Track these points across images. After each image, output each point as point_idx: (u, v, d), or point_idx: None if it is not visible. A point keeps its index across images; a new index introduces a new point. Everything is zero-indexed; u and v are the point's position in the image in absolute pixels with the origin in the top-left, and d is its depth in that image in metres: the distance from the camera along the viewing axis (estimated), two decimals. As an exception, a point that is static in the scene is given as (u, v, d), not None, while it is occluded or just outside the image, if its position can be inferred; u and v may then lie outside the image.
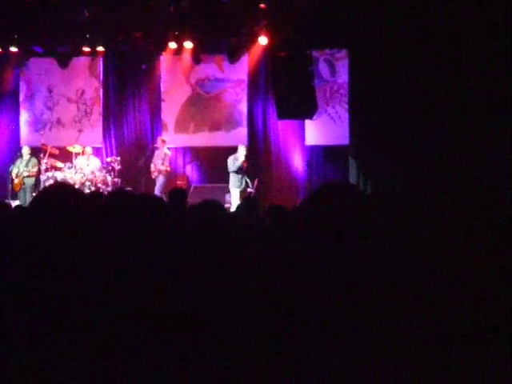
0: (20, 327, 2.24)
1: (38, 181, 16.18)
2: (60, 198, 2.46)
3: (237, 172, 15.26)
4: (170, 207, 6.61)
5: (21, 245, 2.36)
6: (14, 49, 16.94)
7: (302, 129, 16.40)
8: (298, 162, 16.69)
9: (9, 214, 5.99)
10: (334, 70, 16.23)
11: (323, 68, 16.16)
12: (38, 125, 18.01)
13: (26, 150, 16.38)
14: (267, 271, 2.82)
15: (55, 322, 2.26)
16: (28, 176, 16.07)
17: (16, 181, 15.97)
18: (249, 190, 15.37)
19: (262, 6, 14.25)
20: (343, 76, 16.15)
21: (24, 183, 15.98)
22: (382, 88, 14.97)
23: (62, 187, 2.64)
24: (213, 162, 17.11)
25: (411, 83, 14.43)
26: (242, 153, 15.33)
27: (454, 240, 3.03)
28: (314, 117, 14.74)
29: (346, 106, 16.09)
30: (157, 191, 15.80)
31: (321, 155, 16.48)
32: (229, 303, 2.73)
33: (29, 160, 16.20)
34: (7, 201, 14.31)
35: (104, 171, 16.31)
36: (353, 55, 15.81)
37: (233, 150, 15.64)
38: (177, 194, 7.08)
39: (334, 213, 2.52)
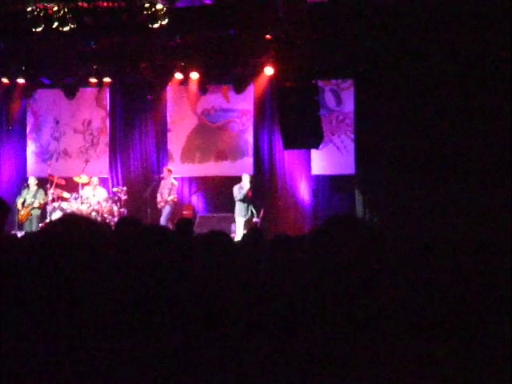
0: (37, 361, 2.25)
1: (44, 211, 16.21)
2: (74, 228, 2.46)
3: (242, 201, 15.27)
4: (177, 237, 6.61)
5: (33, 274, 2.36)
6: (21, 80, 17.09)
7: (308, 158, 16.43)
8: (303, 191, 16.69)
9: (19, 244, 5.97)
10: (340, 100, 16.30)
11: (329, 98, 16.24)
12: (44, 155, 18.09)
13: (32, 181, 16.41)
14: (272, 301, 2.82)
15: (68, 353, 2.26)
16: (36, 207, 16.06)
17: (23, 211, 15.96)
18: (254, 219, 15.36)
19: (267, 36, 14.36)
20: (349, 106, 16.22)
21: (31, 214, 15.97)
22: (387, 117, 15.04)
23: (77, 217, 2.64)
24: (219, 191, 17.12)
25: (416, 112, 14.49)
26: (246, 181, 15.35)
27: (467, 272, 3.02)
28: (320, 146, 14.77)
29: (352, 136, 16.14)
30: (163, 221, 15.80)
31: (327, 184, 16.49)
32: (231, 333, 2.73)
33: (36, 191, 16.22)
34: (13, 232, 14.34)
35: (110, 201, 16.33)
36: (358, 85, 15.91)
37: (238, 179, 15.67)
38: (184, 223, 7.09)
39: (340, 246, 2.52)
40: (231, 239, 4.21)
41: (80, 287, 2.34)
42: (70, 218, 2.59)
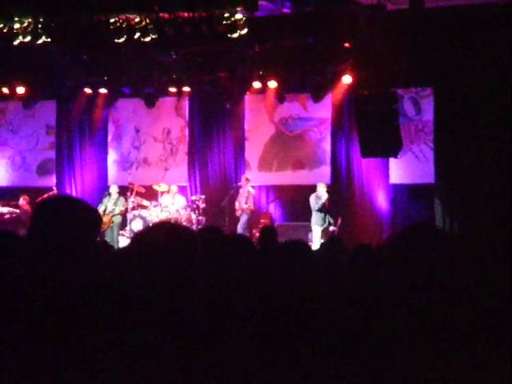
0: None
1: (124, 219, 16.47)
2: (169, 236, 2.49)
3: (320, 210, 15.22)
4: (261, 245, 6.66)
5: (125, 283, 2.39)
6: (103, 90, 17.49)
7: (386, 167, 16.27)
8: (381, 200, 16.53)
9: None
10: (419, 109, 16.10)
11: (408, 106, 16.06)
12: (125, 164, 18.41)
13: (114, 189, 16.68)
14: (352, 310, 2.81)
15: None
16: (116, 214, 16.32)
17: (104, 219, 16.20)
18: (331, 228, 15.30)
19: (346, 45, 14.31)
20: (428, 114, 16.01)
21: (112, 221, 16.20)
22: (467, 126, 14.80)
23: (175, 226, 2.68)
24: (296, 200, 17.10)
25: (497, 121, 14.23)
26: (322, 190, 15.29)
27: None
28: (399, 155, 14.61)
29: (431, 145, 15.92)
30: (239, 229, 15.88)
31: (405, 194, 16.30)
32: (307, 342, 2.73)
33: (117, 199, 16.46)
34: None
35: (189, 209, 16.51)
36: (438, 93, 15.69)
37: (316, 188, 15.63)
38: (268, 232, 7.12)
39: (418, 256, 2.50)
40: (309, 248, 4.20)
41: (176, 294, 2.37)
42: (164, 226, 2.62)
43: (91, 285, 2.41)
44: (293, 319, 2.94)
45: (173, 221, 16.03)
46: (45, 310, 2.35)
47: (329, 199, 15.26)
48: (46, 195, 16.37)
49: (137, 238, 2.60)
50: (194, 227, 16.12)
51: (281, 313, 2.95)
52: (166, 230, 2.55)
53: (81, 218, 2.55)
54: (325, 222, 15.24)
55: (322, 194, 15.28)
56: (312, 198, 15.35)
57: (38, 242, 2.51)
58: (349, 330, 2.63)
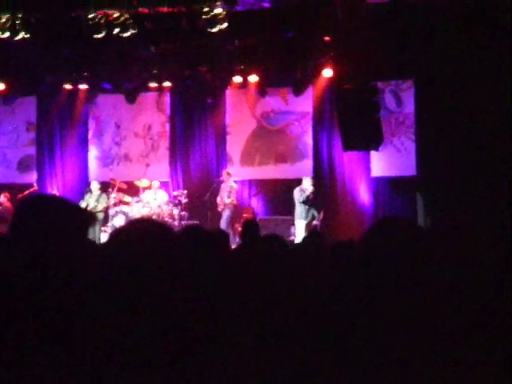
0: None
1: (106, 215, 16.42)
2: (150, 233, 2.49)
3: (303, 203, 15.23)
4: (243, 239, 6.65)
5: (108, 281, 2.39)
6: (83, 86, 17.40)
7: (368, 160, 16.32)
8: (363, 193, 16.58)
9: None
10: (400, 101, 16.16)
11: (389, 99, 16.11)
12: (106, 160, 18.36)
13: (95, 185, 16.62)
14: (331, 305, 2.81)
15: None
16: (98, 211, 16.26)
17: (85, 215, 16.14)
18: (314, 222, 15.32)
19: (326, 38, 14.31)
20: (409, 106, 16.07)
21: (94, 218, 16.18)
22: (448, 118, 14.84)
23: (152, 222, 2.67)
24: (278, 194, 17.11)
25: (478, 112, 14.27)
26: (307, 184, 15.31)
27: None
28: (380, 148, 14.64)
29: (413, 137, 15.98)
30: (223, 224, 15.87)
31: (387, 187, 16.36)
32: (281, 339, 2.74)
33: (99, 195, 16.40)
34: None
35: (171, 205, 16.49)
36: (419, 85, 15.73)
37: (298, 182, 15.64)
38: (250, 226, 7.11)
39: (388, 252, 2.51)
40: (285, 242, 4.20)
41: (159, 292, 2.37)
42: (143, 223, 2.61)
43: (73, 283, 2.40)
44: (274, 315, 2.93)
45: (155, 216, 16.01)
46: (28, 309, 2.33)
47: (313, 192, 15.27)
48: (26, 192, 16.31)
49: (115, 234, 2.61)
50: (177, 222, 16.13)
51: (261, 309, 2.94)
52: (143, 226, 2.55)
53: (63, 216, 2.53)
54: (308, 215, 15.24)
55: (307, 188, 15.28)
56: (296, 191, 15.35)
57: (19, 241, 2.49)
58: (329, 326, 2.63)
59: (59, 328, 2.30)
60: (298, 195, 15.28)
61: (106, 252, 2.54)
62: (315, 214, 15.32)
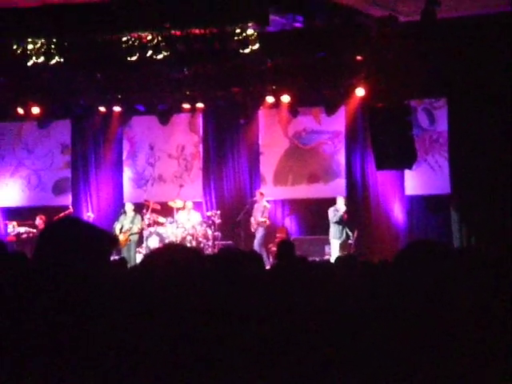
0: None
1: (141, 236, 16.49)
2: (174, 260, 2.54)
3: (338, 223, 15.20)
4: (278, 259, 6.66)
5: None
6: (117, 108, 17.57)
7: (402, 179, 16.23)
8: (398, 212, 16.47)
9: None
10: (433, 119, 16.07)
11: (422, 117, 16.04)
12: (140, 181, 18.47)
13: (129, 207, 16.70)
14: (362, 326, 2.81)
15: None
16: (134, 233, 16.32)
17: (121, 237, 16.16)
18: (349, 241, 15.27)
19: (358, 58, 14.31)
20: (442, 125, 15.98)
21: (130, 240, 16.17)
22: (482, 136, 14.74)
23: (179, 246, 2.73)
24: (311, 213, 17.09)
25: (511, 130, 14.17)
26: (341, 204, 15.30)
27: None
28: (414, 166, 14.56)
29: (446, 155, 15.88)
30: (256, 244, 15.87)
31: (421, 205, 16.26)
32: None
33: (134, 216, 16.46)
34: (112, 258, 14.61)
35: (205, 225, 16.52)
36: (452, 104, 15.65)
37: (331, 201, 15.61)
38: (286, 246, 7.12)
39: (418, 276, 2.51)
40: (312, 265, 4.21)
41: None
42: (170, 249, 2.66)
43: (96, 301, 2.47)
44: (304, 339, 2.93)
45: (189, 237, 16.05)
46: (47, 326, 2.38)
47: (346, 212, 15.24)
48: (62, 214, 16.46)
49: (148, 256, 2.70)
50: (210, 243, 16.15)
51: (289, 331, 2.94)
52: (175, 250, 2.61)
53: (86, 239, 2.58)
54: (342, 234, 15.22)
55: (340, 207, 15.27)
56: (330, 211, 15.36)
57: (43, 263, 2.54)
58: (358, 350, 2.62)
59: (75, 341, 2.35)
60: (331, 215, 15.26)
61: (136, 274, 2.60)
62: (349, 233, 15.27)
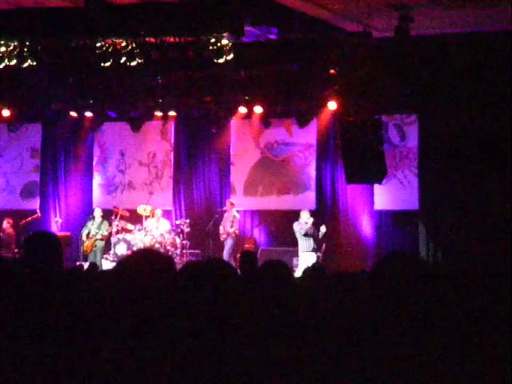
0: None
1: (108, 243, 16.41)
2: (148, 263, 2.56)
3: (306, 235, 15.21)
4: (241, 270, 6.68)
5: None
6: (88, 113, 17.48)
7: (371, 193, 16.31)
8: (366, 226, 16.56)
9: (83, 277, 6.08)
10: (404, 135, 16.20)
11: (393, 133, 16.15)
12: (110, 187, 18.38)
13: (98, 212, 16.62)
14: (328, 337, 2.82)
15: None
16: (100, 239, 16.24)
17: (87, 242, 16.12)
18: (317, 254, 15.29)
19: (331, 71, 14.38)
20: (412, 141, 16.11)
21: (95, 245, 16.12)
22: (451, 152, 14.89)
23: (152, 252, 2.76)
24: (281, 225, 17.11)
25: (482, 147, 14.32)
26: (305, 217, 15.30)
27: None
28: (384, 181, 14.68)
29: (416, 171, 16.00)
30: (225, 254, 15.85)
31: (390, 220, 16.35)
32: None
33: (101, 222, 16.41)
34: (79, 262, 14.56)
35: (173, 233, 16.48)
36: (422, 120, 15.80)
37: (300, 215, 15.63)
38: (248, 256, 7.13)
39: (394, 288, 2.52)
40: (288, 268, 4.21)
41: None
42: (144, 254, 2.67)
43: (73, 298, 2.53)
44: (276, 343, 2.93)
45: (157, 245, 16.00)
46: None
47: (313, 224, 15.26)
48: (29, 218, 16.34)
49: (120, 262, 2.74)
50: (179, 251, 16.12)
51: (262, 336, 2.94)
52: (146, 256, 2.64)
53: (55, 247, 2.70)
54: (310, 247, 15.23)
55: (306, 220, 15.26)
56: (295, 225, 15.32)
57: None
58: (332, 357, 2.63)
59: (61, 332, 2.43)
60: (298, 228, 15.25)
61: (112, 278, 2.63)
62: (315, 246, 15.29)
